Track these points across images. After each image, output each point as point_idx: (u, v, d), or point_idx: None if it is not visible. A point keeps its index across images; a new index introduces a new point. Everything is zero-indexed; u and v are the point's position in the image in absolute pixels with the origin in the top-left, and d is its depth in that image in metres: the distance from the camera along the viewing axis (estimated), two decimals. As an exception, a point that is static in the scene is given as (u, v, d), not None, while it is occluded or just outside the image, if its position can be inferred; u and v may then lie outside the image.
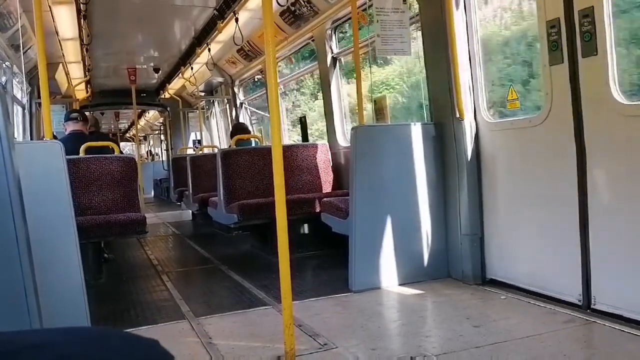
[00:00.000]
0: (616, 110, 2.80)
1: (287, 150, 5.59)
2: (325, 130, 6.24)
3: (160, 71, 10.42)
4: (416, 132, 4.02)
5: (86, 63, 8.16)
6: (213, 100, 12.20)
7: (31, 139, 8.01)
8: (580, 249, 3.08)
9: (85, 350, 0.80)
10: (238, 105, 10.05)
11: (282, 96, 8.34)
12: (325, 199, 4.79)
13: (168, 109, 13.27)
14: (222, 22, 6.57)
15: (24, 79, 7.47)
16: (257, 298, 3.84)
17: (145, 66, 10.08)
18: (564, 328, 2.86)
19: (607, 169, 2.96)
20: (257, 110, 9.82)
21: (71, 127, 5.56)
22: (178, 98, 11.77)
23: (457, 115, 3.88)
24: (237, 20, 6.20)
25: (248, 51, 8.02)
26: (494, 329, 2.91)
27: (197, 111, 11.97)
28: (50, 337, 0.85)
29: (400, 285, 3.90)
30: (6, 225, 2.05)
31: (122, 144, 19.48)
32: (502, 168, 3.75)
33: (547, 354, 2.55)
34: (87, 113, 6.70)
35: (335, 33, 5.87)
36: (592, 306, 3.03)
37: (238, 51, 8.09)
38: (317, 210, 4.98)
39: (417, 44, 4.35)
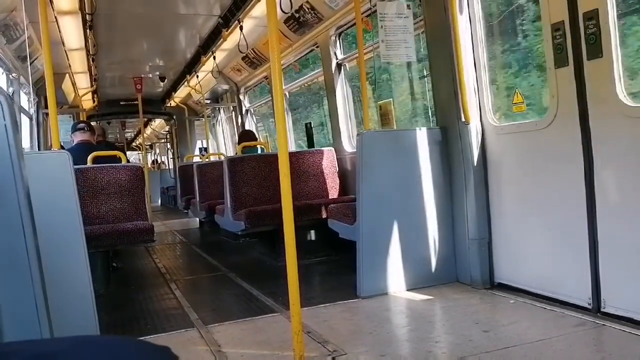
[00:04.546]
0: (622, 112, 2.79)
1: (293, 156, 5.61)
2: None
3: (165, 80, 10.48)
4: (422, 137, 4.02)
5: (92, 73, 8.22)
6: (219, 108, 12.26)
7: (39, 149, 8.07)
8: (589, 251, 3.06)
9: (96, 358, 0.80)
10: (244, 113, 10.09)
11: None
12: (332, 205, 4.79)
13: (174, 117, 13.34)
14: (227, 30, 6.61)
15: (31, 90, 7.52)
16: (265, 305, 3.84)
17: (151, 75, 10.15)
18: (574, 332, 2.85)
19: (615, 171, 2.94)
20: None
21: (79, 137, 5.65)
22: (184, 106, 11.83)
23: (463, 119, 3.87)
24: (241, 28, 6.26)
25: (253, 58, 8.06)
26: (504, 334, 2.90)
27: (203, 119, 12.00)
28: (60, 346, 0.85)
29: (408, 290, 3.89)
30: (17, 235, 2.06)
31: (128, 152, 19.57)
32: (509, 171, 3.73)
33: (557, 358, 2.53)
34: (93, 123, 6.74)
35: (339, 39, 5.89)
36: (602, 309, 3.00)
37: (243, 59, 8.13)
38: (324, 216, 4.97)
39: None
